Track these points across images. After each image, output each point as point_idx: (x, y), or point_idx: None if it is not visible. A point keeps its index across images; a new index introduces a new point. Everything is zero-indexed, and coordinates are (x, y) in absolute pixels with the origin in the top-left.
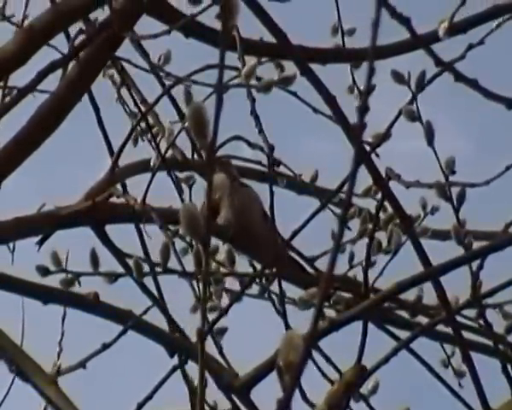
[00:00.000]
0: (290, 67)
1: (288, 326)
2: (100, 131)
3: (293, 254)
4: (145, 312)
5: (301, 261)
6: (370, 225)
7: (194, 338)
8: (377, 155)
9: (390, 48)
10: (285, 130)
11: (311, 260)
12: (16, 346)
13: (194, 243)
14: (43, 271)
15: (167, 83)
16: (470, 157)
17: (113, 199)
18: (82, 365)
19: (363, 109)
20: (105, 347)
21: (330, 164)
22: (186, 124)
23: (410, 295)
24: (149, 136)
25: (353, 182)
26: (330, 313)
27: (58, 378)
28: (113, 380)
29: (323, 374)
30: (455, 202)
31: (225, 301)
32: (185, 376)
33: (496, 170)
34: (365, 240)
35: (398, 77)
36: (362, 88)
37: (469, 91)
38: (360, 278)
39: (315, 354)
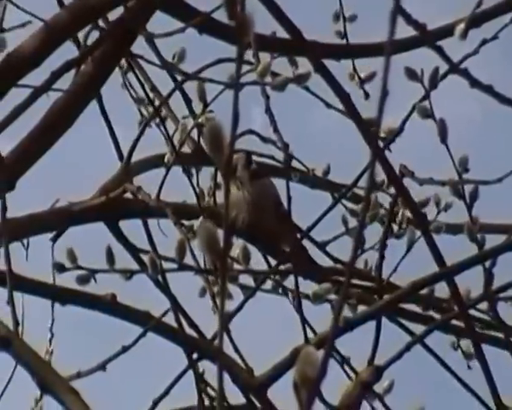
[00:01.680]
0: (304, 63)
1: (304, 321)
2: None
3: (304, 242)
4: (164, 314)
5: (313, 248)
6: (381, 211)
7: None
8: (389, 150)
9: (402, 43)
10: (297, 122)
11: (323, 244)
12: (38, 357)
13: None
14: (60, 267)
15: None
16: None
17: (127, 195)
18: (102, 367)
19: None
20: (125, 349)
21: (343, 156)
22: (199, 120)
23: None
24: (163, 131)
25: (373, 180)
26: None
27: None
28: (126, 378)
29: (348, 366)
30: (468, 200)
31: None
32: (196, 374)
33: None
34: (375, 224)
35: (411, 73)
36: (362, 75)
37: None
38: (371, 262)
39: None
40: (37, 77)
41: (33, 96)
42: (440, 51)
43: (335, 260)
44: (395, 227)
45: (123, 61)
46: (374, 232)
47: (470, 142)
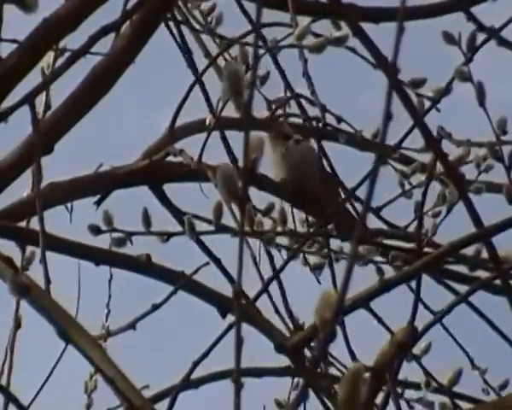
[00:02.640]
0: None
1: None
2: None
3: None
4: (196, 271)
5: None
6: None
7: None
8: (438, 110)
9: (433, 7)
10: (343, 86)
11: (377, 209)
12: (60, 308)
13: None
14: (95, 230)
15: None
16: None
17: (170, 158)
18: (132, 326)
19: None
20: (155, 307)
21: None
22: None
23: (469, 250)
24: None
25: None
26: (388, 269)
27: (107, 340)
28: (167, 340)
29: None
30: (506, 162)
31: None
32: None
33: None
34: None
35: (448, 38)
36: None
37: None
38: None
39: (367, 314)
40: (75, 41)
41: (71, 60)
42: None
43: (389, 224)
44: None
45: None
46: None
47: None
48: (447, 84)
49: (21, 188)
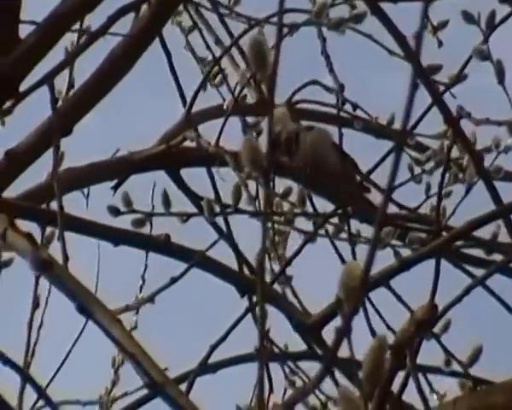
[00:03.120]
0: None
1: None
2: (172, 77)
3: (369, 187)
4: (212, 245)
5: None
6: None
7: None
8: (453, 96)
9: None
10: (360, 72)
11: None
12: (80, 284)
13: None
14: (114, 211)
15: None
16: None
17: (187, 143)
18: (151, 299)
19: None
20: (173, 280)
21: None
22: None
23: (486, 234)
24: (222, 80)
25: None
26: (405, 252)
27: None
28: (187, 321)
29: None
30: None
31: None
32: (255, 318)
33: None
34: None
35: (467, 17)
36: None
37: None
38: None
39: (387, 293)
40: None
41: (89, 41)
42: None
43: (400, 206)
44: (460, 174)
45: (186, 23)
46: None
47: None
48: (462, 67)
49: (40, 171)
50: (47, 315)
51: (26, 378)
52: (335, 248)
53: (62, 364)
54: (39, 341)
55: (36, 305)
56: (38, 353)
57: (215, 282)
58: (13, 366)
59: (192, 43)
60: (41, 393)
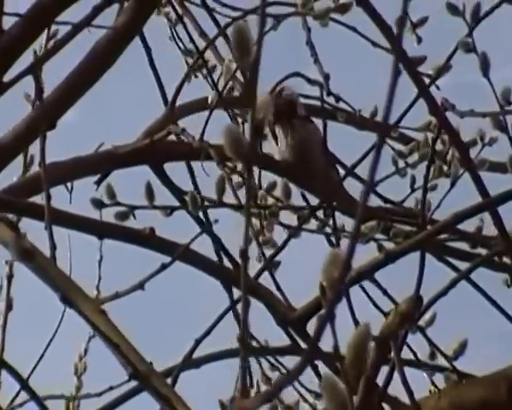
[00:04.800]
0: None
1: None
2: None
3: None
4: (195, 238)
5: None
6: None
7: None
8: (438, 88)
9: None
10: (344, 64)
11: (372, 184)
12: (63, 274)
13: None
14: (98, 203)
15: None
16: None
17: (171, 137)
18: (140, 286)
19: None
20: (164, 267)
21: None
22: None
23: (470, 227)
24: (206, 73)
25: (391, 99)
26: (389, 245)
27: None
28: (168, 317)
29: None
30: (511, 133)
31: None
32: (237, 312)
33: None
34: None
35: (453, 9)
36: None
37: None
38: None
39: (372, 286)
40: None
41: (74, 32)
42: None
43: (385, 199)
44: (445, 167)
45: (171, 14)
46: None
47: None
48: (445, 61)
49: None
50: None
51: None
52: (330, 241)
53: (42, 356)
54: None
55: (9, 307)
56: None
57: (200, 275)
58: None
59: (180, 34)
60: (24, 385)
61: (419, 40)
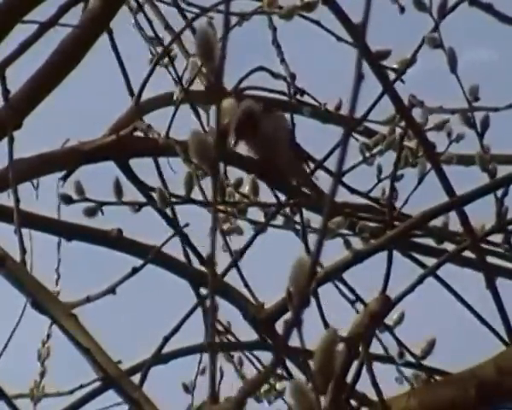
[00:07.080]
0: None
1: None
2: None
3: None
4: (166, 241)
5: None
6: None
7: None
8: (403, 82)
9: None
10: (308, 58)
11: (339, 175)
12: (33, 278)
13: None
14: (67, 199)
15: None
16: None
17: (137, 133)
18: (112, 290)
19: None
20: (134, 271)
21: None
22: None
23: (436, 222)
24: (170, 65)
25: (355, 98)
26: (356, 241)
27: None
28: (139, 313)
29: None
30: (479, 129)
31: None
32: (205, 310)
33: None
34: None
35: (419, 4)
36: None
37: None
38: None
39: (340, 285)
40: (44, 12)
41: (40, 31)
42: None
43: (352, 190)
44: (410, 159)
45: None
46: (391, 161)
47: (482, 75)
48: (412, 55)
49: None
50: None
51: None
52: (305, 240)
53: (5, 347)
54: None
55: None
56: None
57: (167, 274)
58: None
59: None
60: None
61: (402, 10)
